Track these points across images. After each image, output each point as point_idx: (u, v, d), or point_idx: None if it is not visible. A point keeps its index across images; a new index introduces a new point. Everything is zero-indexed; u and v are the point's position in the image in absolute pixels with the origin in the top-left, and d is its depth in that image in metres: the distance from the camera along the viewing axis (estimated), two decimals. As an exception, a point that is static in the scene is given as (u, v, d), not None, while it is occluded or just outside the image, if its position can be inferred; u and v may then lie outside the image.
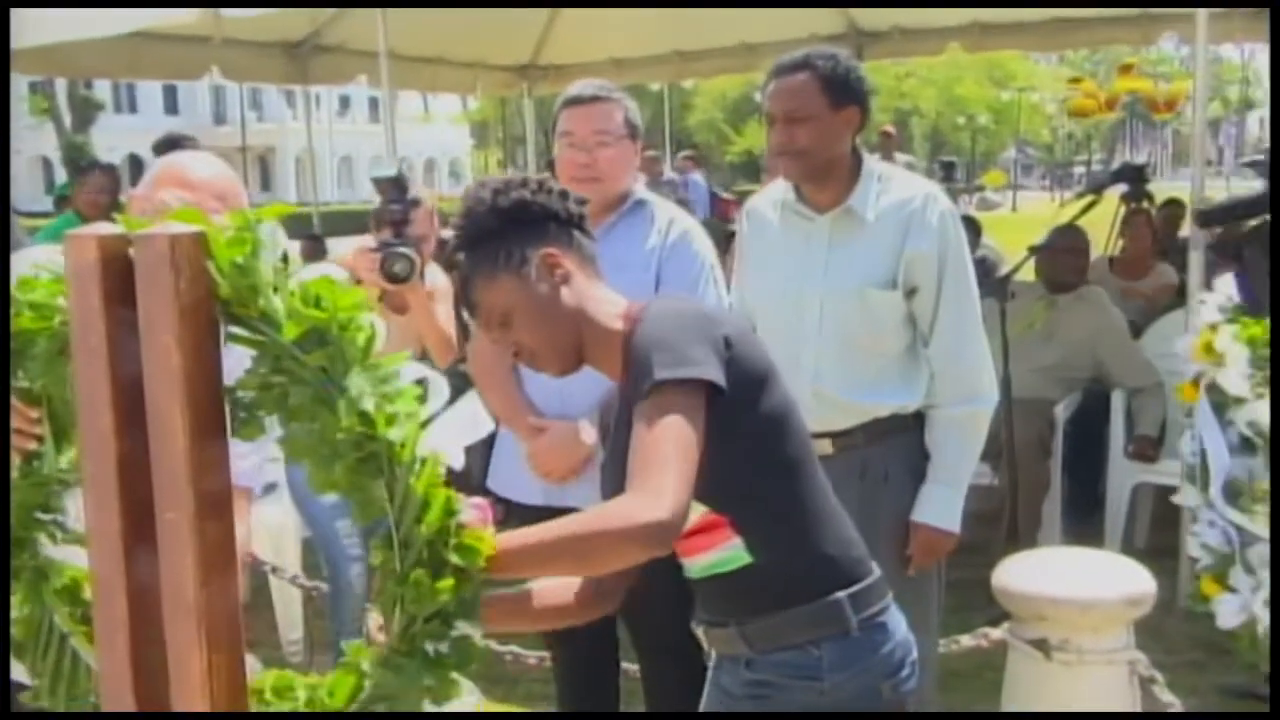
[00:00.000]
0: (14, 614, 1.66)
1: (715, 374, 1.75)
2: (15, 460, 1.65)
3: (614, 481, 1.88)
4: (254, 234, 1.36)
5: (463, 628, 1.43)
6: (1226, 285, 3.29)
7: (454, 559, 1.42)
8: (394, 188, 3.60)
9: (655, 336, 1.78)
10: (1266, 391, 3.01)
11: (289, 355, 1.35)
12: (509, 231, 1.88)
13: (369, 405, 1.35)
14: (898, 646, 1.94)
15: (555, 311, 1.88)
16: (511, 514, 2.90)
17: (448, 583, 1.40)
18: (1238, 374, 3.08)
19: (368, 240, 3.68)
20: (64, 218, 6.23)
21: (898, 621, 1.97)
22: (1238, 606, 3.09)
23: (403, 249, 3.43)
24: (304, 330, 1.35)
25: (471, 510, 1.47)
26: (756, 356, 1.87)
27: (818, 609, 1.88)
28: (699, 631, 2.03)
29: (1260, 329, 3.03)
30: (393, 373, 1.40)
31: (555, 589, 1.95)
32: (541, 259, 1.88)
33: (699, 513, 1.86)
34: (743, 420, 1.83)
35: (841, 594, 1.88)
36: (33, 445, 1.63)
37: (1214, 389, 3.18)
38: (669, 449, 1.66)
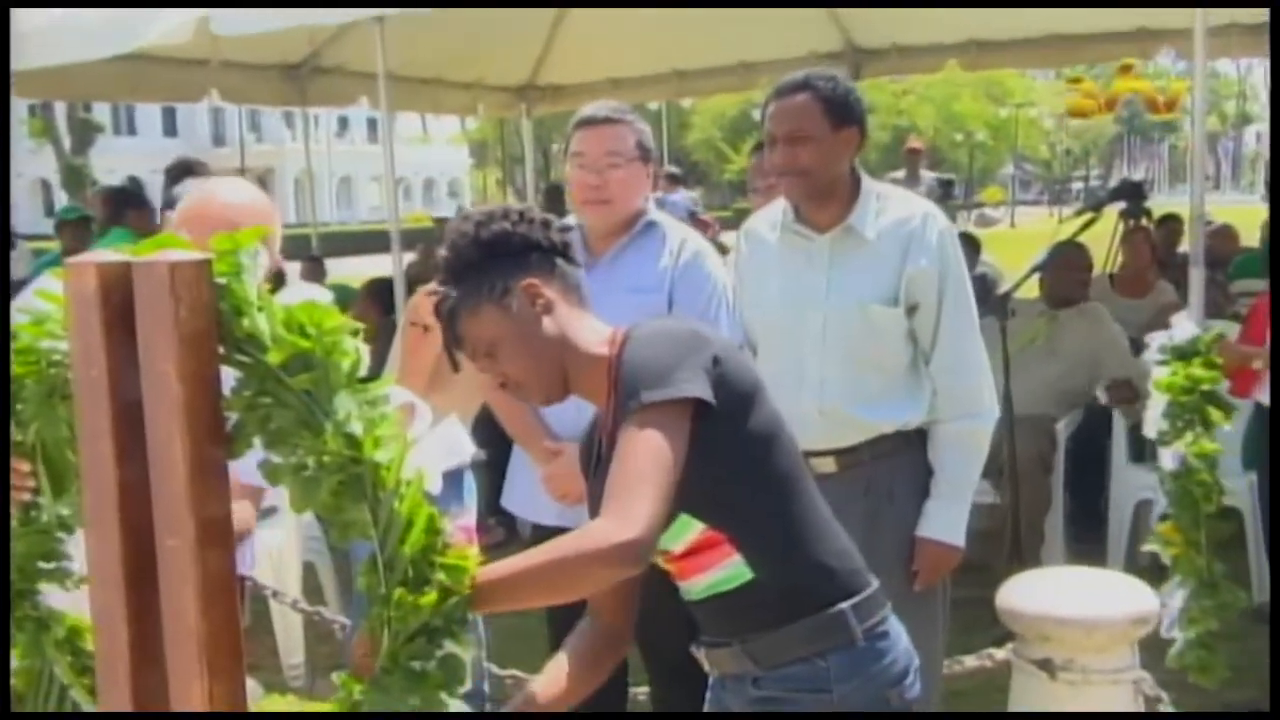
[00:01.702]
0: (15, 665, 1.65)
1: (702, 390, 1.77)
2: (14, 512, 1.64)
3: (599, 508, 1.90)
4: (237, 257, 1.36)
5: (450, 647, 1.43)
6: (1177, 325, 3.32)
7: (440, 578, 1.42)
8: None
9: (640, 360, 1.80)
10: (1176, 443, 3.05)
11: (273, 378, 1.35)
12: (490, 263, 1.89)
13: (356, 428, 1.35)
14: (901, 654, 1.95)
15: (538, 341, 1.90)
16: (523, 534, 2.90)
17: (430, 598, 1.41)
18: (1152, 419, 3.12)
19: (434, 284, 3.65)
20: (118, 232, 6.19)
21: (899, 630, 1.98)
22: (1169, 622, 3.13)
23: None
24: (289, 355, 1.35)
25: (457, 531, 1.48)
26: (744, 373, 1.89)
27: (822, 621, 1.88)
28: (700, 654, 2.03)
29: (1181, 377, 3.07)
30: (379, 396, 1.40)
31: (573, 656, 1.98)
32: (523, 289, 1.89)
33: (697, 530, 1.87)
34: (733, 436, 1.85)
35: (845, 604, 1.89)
36: (27, 496, 1.62)
37: None
38: (645, 468, 1.69)
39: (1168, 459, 3.06)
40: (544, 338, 1.89)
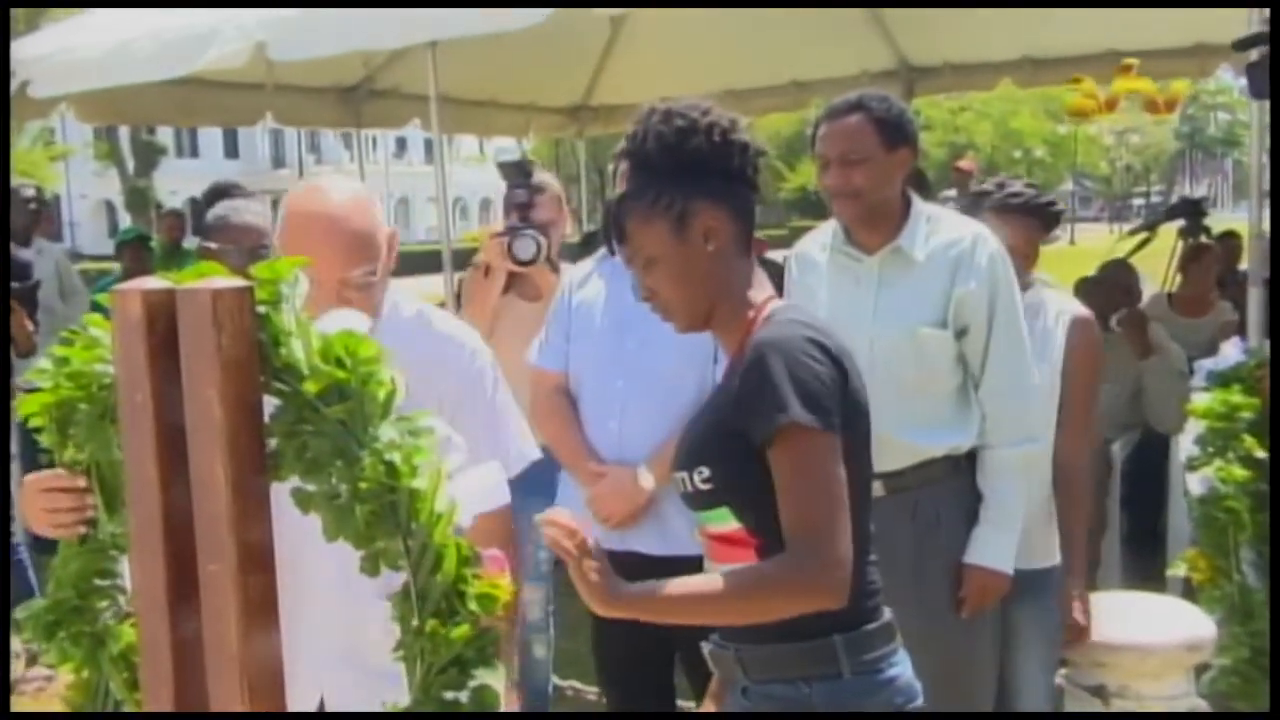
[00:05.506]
0: (70, 678, 1.68)
1: (838, 427, 1.79)
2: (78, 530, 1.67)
3: (687, 443, 1.94)
4: (277, 286, 1.37)
5: (483, 677, 1.43)
6: (1226, 352, 3.27)
7: (472, 608, 1.42)
8: (517, 172, 3.65)
9: (790, 367, 1.79)
10: (1205, 469, 3.00)
11: (310, 408, 1.36)
12: (677, 179, 1.87)
13: (394, 457, 1.36)
14: (897, 693, 1.90)
15: (698, 275, 1.89)
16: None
17: (463, 630, 1.41)
18: (1189, 442, 3.08)
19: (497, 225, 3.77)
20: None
21: (901, 668, 1.92)
22: None
23: (528, 231, 3.47)
24: (325, 385, 1.36)
25: (489, 560, 1.48)
26: (860, 397, 1.89)
27: (811, 647, 1.85)
28: (705, 651, 2.02)
29: (1219, 403, 3.03)
30: (417, 427, 1.41)
31: None
32: (701, 221, 1.87)
33: (733, 525, 1.88)
34: None
35: (838, 636, 1.85)
36: (90, 513, 1.65)
37: None
38: (834, 506, 1.75)
39: (1195, 484, 3.01)
40: (705, 273, 1.89)
